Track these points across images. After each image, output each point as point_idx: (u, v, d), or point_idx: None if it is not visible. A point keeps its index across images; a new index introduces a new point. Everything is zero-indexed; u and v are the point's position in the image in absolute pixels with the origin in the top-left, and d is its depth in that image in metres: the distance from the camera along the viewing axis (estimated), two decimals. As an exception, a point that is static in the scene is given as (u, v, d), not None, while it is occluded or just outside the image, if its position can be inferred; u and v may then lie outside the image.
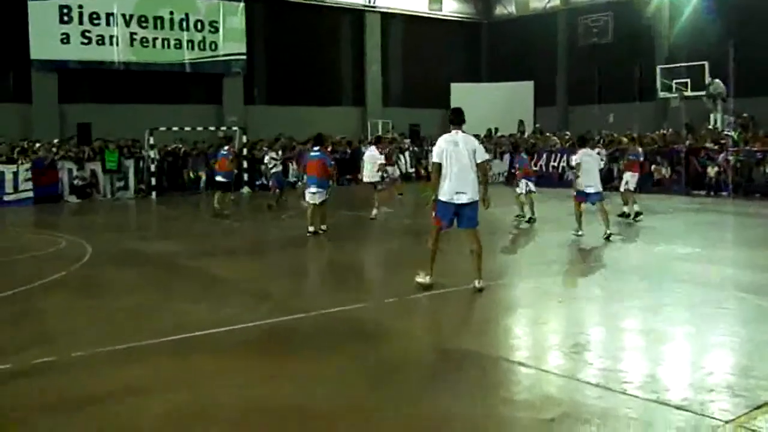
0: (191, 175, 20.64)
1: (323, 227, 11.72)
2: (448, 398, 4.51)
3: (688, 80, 20.56)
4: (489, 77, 29.82)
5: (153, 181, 19.63)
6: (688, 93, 20.64)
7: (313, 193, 11.52)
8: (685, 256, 9.72)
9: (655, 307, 6.87)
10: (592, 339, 5.96)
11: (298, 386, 4.79)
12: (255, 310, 6.84)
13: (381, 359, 5.43)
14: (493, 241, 11.80)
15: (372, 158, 14.28)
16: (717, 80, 20.08)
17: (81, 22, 21.09)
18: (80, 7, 21.02)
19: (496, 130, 25.69)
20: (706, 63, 20.20)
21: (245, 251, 11.13)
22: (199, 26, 23.11)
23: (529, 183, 13.33)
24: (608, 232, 10.90)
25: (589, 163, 11.26)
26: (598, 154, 18.89)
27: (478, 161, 7.27)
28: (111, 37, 21.52)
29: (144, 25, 22.11)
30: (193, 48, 23.02)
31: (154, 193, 19.44)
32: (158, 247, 11.26)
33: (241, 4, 23.79)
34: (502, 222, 13.03)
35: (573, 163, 11.62)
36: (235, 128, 21.82)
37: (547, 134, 24.36)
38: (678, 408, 4.25)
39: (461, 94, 28.34)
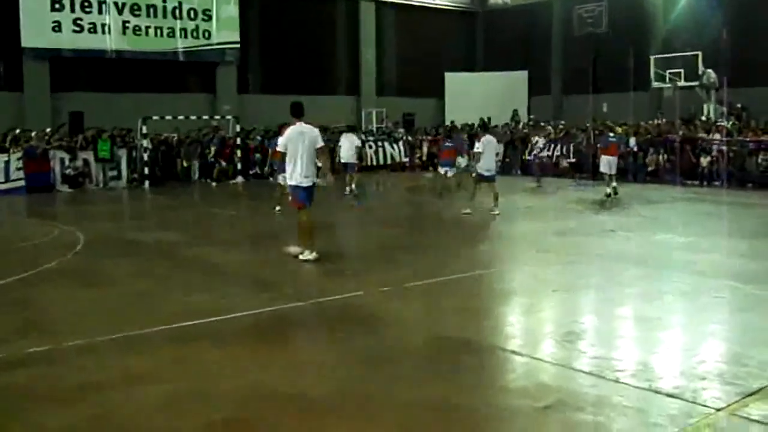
0: (183, 164, 20.56)
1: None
2: (443, 386, 4.54)
3: (682, 70, 20.56)
4: (484, 66, 29.70)
5: (146, 170, 19.54)
6: (682, 83, 20.66)
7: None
8: (680, 245, 9.78)
9: (649, 296, 6.92)
10: (586, 327, 6.00)
11: (296, 373, 4.81)
12: (253, 299, 6.86)
13: (377, 347, 5.46)
14: (484, 230, 11.87)
15: (351, 142, 16.15)
16: (709, 70, 20.10)
17: (73, 10, 20.85)
18: (72, -6, 20.84)
19: (489, 119, 25.61)
20: (699, 53, 20.21)
21: (241, 240, 11.11)
22: (192, 14, 22.91)
23: (448, 167, 14.80)
24: (496, 211, 12.25)
25: (489, 148, 12.57)
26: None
27: (318, 147, 8.48)
28: (103, 25, 21.29)
29: (136, 13, 21.89)
30: (186, 36, 22.83)
31: (147, 183, 19.35)
32: (153, 236, 11.21)
33: (235, -7, 23.62)
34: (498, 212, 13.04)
35: (476, 150, 12.75)
36: (228, 117, 21.73)
37: (542, 123, 24.33)
38: (670, 396, 4.30)
39: (456, 83, 28.34)
